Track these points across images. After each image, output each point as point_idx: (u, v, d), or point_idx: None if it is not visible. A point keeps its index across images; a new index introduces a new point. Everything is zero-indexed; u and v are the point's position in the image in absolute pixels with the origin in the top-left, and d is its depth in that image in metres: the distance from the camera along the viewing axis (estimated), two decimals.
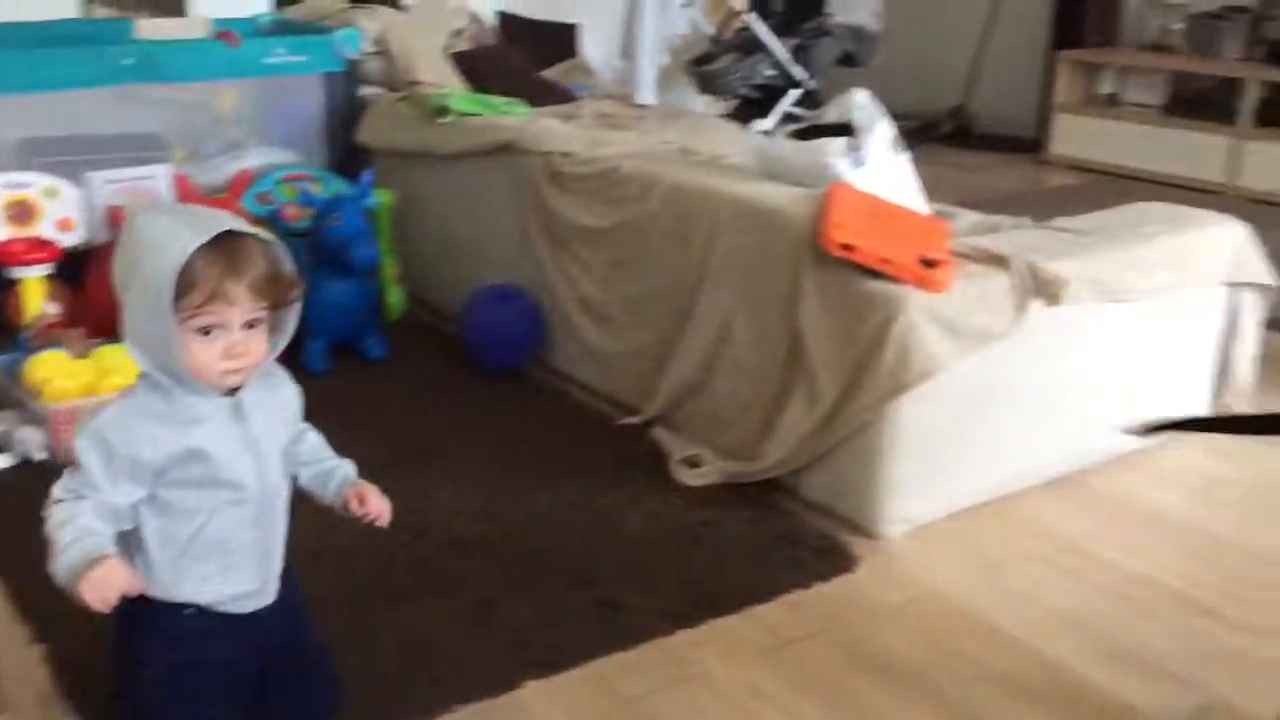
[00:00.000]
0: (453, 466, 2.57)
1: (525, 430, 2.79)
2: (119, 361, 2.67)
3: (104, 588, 1.26)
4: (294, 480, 1.50)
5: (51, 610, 2.04)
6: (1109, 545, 2.32)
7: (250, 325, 1.32)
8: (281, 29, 3.94)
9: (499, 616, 2.04)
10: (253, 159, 3.55)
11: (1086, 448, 2.59)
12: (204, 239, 1.25)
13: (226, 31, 3.51)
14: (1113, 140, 5.57)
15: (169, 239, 1.26)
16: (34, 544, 2.28)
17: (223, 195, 3.30)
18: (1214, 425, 1.80)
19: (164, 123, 3.56)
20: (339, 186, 3.46)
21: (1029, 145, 6.06)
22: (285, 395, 1.45)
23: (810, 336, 2.34)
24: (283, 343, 1.38)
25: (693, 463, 2.59)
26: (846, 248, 2.23)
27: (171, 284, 1.24)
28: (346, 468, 1.52)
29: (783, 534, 2.32)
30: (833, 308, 2.30)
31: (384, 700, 1.81)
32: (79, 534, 1.29)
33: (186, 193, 3.05)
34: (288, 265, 1.35)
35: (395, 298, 3.48)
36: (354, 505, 1.48)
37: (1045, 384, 2.45)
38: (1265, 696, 1.83)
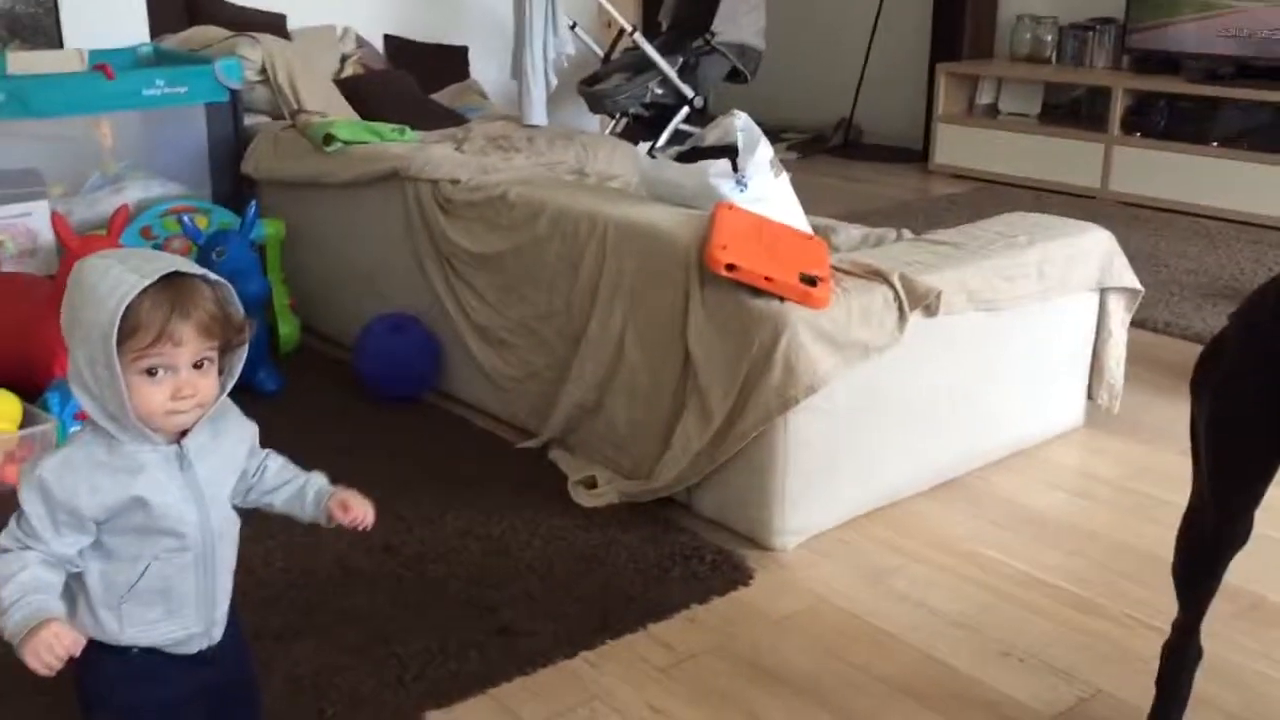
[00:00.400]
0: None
1: (423, 458, 2.78)
2: (2, 408, 2.61)
3: (46, 654, 1.25)
4: (269, 508, 1.51)
5: None
6: (993, 546, 2.41)
7: (198, 365, 1.31)
8: (161, 59, 3.87)
9: (395, 650, 2.03)
10: (135, 192, 3.49)
11: (968, 452, 2.68)
12: (148, 281, 1.25)
13: (103, 64, 3.45)
14: (993, 149, 5.76)
15: (113, 283, 1.25)
16: None
17: (103, 231, 3.24)
18: None
19: (41, 158, 3.48)
20: (225, 219, 3.42)
21: (915, 155, 6.22)
22: (238, 435, 1.45)
23: (700, 355, 2.38)
24: (230, 383, 1.37)
25: (590, 484, 2.61)
26: (731, 267, 2.28)
27: (114, 326, 1.24)
28: (318, 480, 1.53)
29: (679, 551, 2.36)
30: (720, 326, 2.35)
31: None
32: (23, 591, 1.27)
33: (64, 230, 2.98)
34: (236, 307, 1.35)
35: (288, 329, 3.44)
36: (338, 515, 1.49)
37: (927, 392, 2.53)
38: (1145, 688, 1.91)
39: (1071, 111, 5.75)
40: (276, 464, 1.53)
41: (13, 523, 1.32)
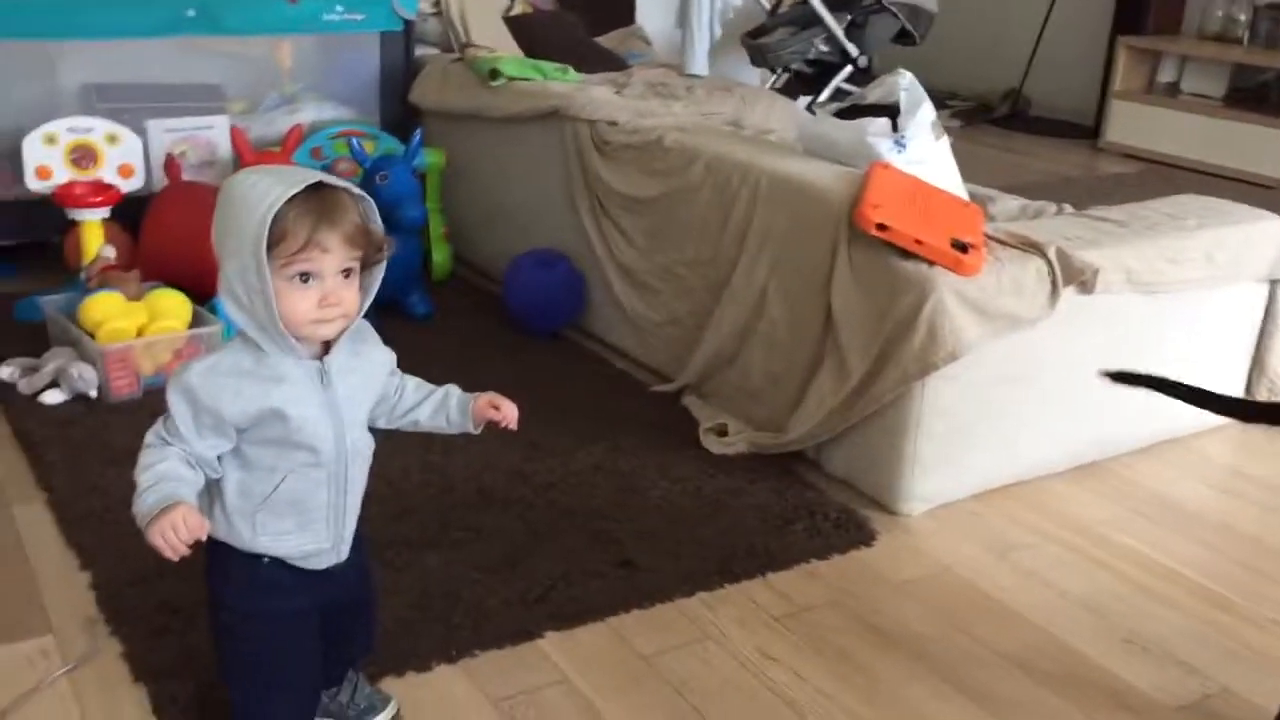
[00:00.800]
0: (487, 424, 2.63)
1: (560, 392, 2.85)
2: (170, 306, 2.77)
3: (171, 534, 1.30)
4: (414, 426, 1.57)
5: (97, 539, 2.14)
6: (1128, 533, 2.35)
7: (344, 275, 1.36)
8: None
9: (521, 569, 2.11)
10: (308, 114, 3.63)
11: (1112, 436, 2.60)
12: (295, 190, 1.30)
13: None
14: (1170, 130, 5.51)
15: (262, 193, 1.30)
16: (83, 476, 2.39)
17: (277, 148, 3.38)
18: (1182, 393, 1.81)
19: (224, 75, 3.65)
20: (390, 145, 3.53)
21: (1085, 131, 6.00)
22: (375, 359, 1.49)
23: (842, 313, 2.37)
24: (368, 301, 1.42)
25: (720, 432, 2.64)
26: (881, 227, 2.25)
27: (264, 232, 1.28)
28: (456, 390, 1.59)
29: (804, 505, 2.37)
30: (865, 286, 2.33)
31: (404, 642, 1.88)
32: (157, 479, 1.33)
33: (242, 144, 3.13)
34: (377, 223, 1.38)
35: (441, 257, 3.55)
36: (490, 414, 1.55)
37: (1074, 371, 2.46)
38: (1270, 689, 1.85)
39: (1259, 96, 5.46)
40: (412, 383, 1.58)
41: (159, 423, 1.39)
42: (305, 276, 1.33)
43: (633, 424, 2.70)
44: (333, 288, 1.35)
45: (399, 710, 1.73)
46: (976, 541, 2.30)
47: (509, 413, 1.56)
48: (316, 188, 1.32)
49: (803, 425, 2.47)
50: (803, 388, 2.49)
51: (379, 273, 1.42)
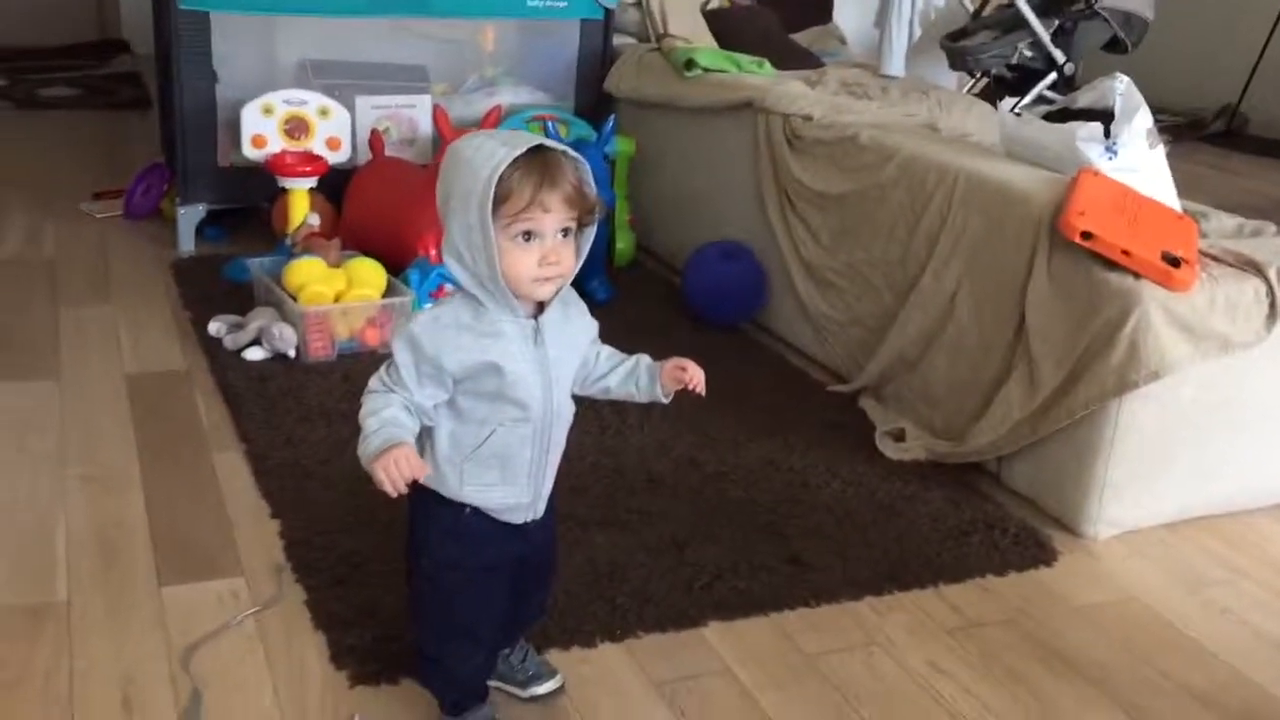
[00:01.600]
0: (660, 410, 2.63)
1: (735, 385, 2.83)
2: (367, 274, 2.88)
3: (394, 472, 1.37)
4: (606, 393, 1.59)
5: (288, 490, 2.24)
6: None
7: (562, 234, 1.40)
8: None
9: (688, 556, 2.10)
10: (506, 96, 3.72)
11: None
12: (518, 152, 1.35)
13: None
14: None
15: (487, 155, 1.35)
16: (278, 430, 2.51)
17: (476, 129, 3.47)
18: None
19: (429, 57, 3.77)
20: (583, 131, 3.58)
21: None
22: (582, 325, 1.54)
23: (1036, 322, 2.28)
24: (580, 262, 1.45)
25: (897, 436, 2.58)
26: (1086, 235, 2.16)
27: (490, 192, 1.34)
28: (646, 359, 1.60)
29: (982, 518, 2.29)
30: (1065, 295, 2.24)
31: (570, 617, 1.90)
32: (383, 424, 1.40)
33: (443, 123, 3.22)
34: (591, 185, 1.42)
35: (624, 243, 3.58)
36: (679, 376, 1.55)
37: None
38: None
39: None
40: (606, 351, 1.61)
41: (382, 370, 1.45)
42: (528, 235, 1.38)
43: (807, 422, 2.67)
44: (553, 246, 1.39)
45: (563, 683, 1.75)
46: (1166, 572, 2.19)
47: (696, 375, 1.56)
48: (537, 150, 1.36)
49: (986, 436, 2.39)
50: (988, 397, 2.41)
51: (591, 234, 1.45)
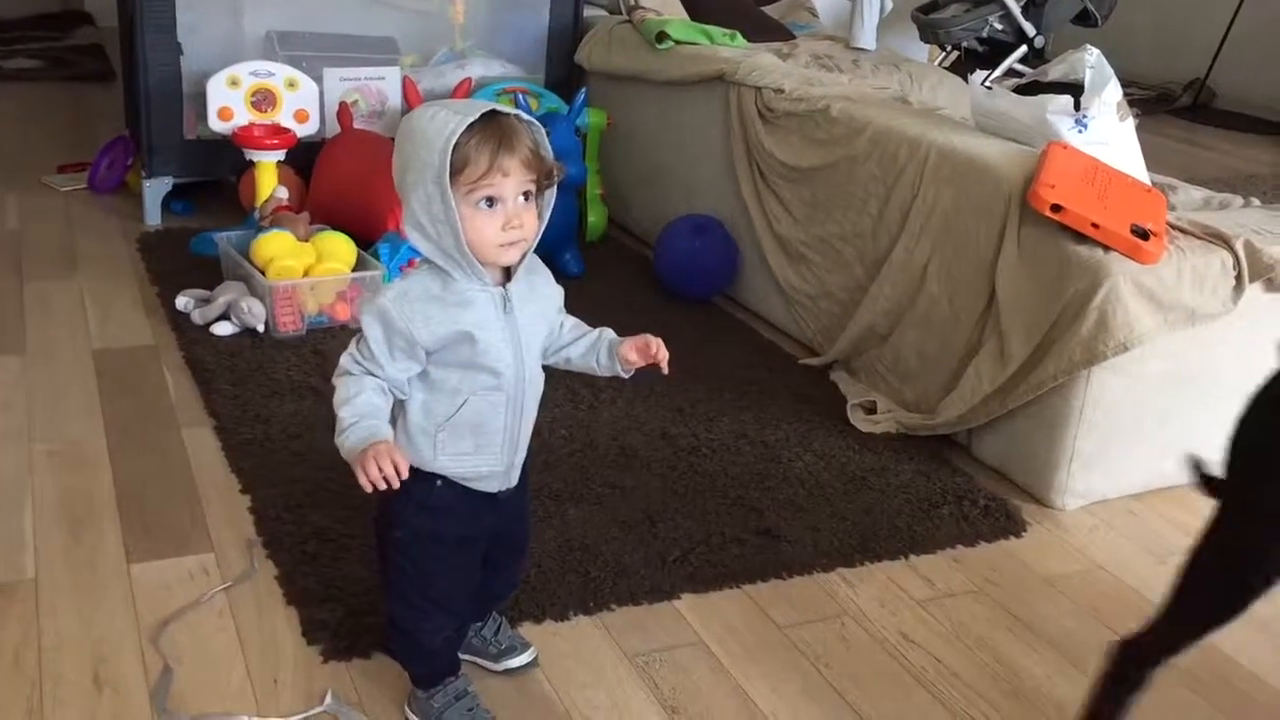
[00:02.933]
0: (632, 385, 2.62)
1: (707, 359, 2.84)
2: (337, 248, 2.85)
3: (375, 473, 1.37)
4: (567, 363, 1.59)
5: (258, 465, 2.23)
6: None
7: (523, 198, 1.39)
8: None
9: (661, 529, 2.11)
10: (477, 69, 3.69)
11: None
12: (471, 118, 1.34)
13: None
14: None
15: (440, 124, 1.34)
16: (247, 405, 2.49)
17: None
18: None
19: (398, 27, 3.73)
20: (554, 104, 3.56)
21: (1274, 128, 5.67)
22: (549, 292, 1.53)
23: (1006, 295, 2.30)
24: (542, 225, 1.45)
25: (868, 409, 2.59)
26: (1056, 208, 2.17)
27: (446, 161, 1.33)
28: (609, 333, 1.60)
29: (952, 490, 2.31)
30: (1034, 268, 2.25)
31: (543, 591, 1.90)
32: (359, 415, 1.40)
33: (413, 95, 3.19)
34: (548, 148, 1.42)
35: (596, 217, 3.57)
36: (638, 353, 1.54)
37: (1254, 373, 2.32)
38: None
39: None
40: (571, 321, 1.61)
41: (352, 346, 1.44)
42: (489, 201, 1.37)
43: (779, 395, 2.68)
44: (515, 210, 1.39)
45: (536, 656, 1.75)
46: (1134, 541, 2.21)
47: (660, 351, 1.55)
48: (491, 116, 1.36)
49: (956, 408, 2.40)
50: (958, 370, 2.43)
51: (551, 197, 1.45)
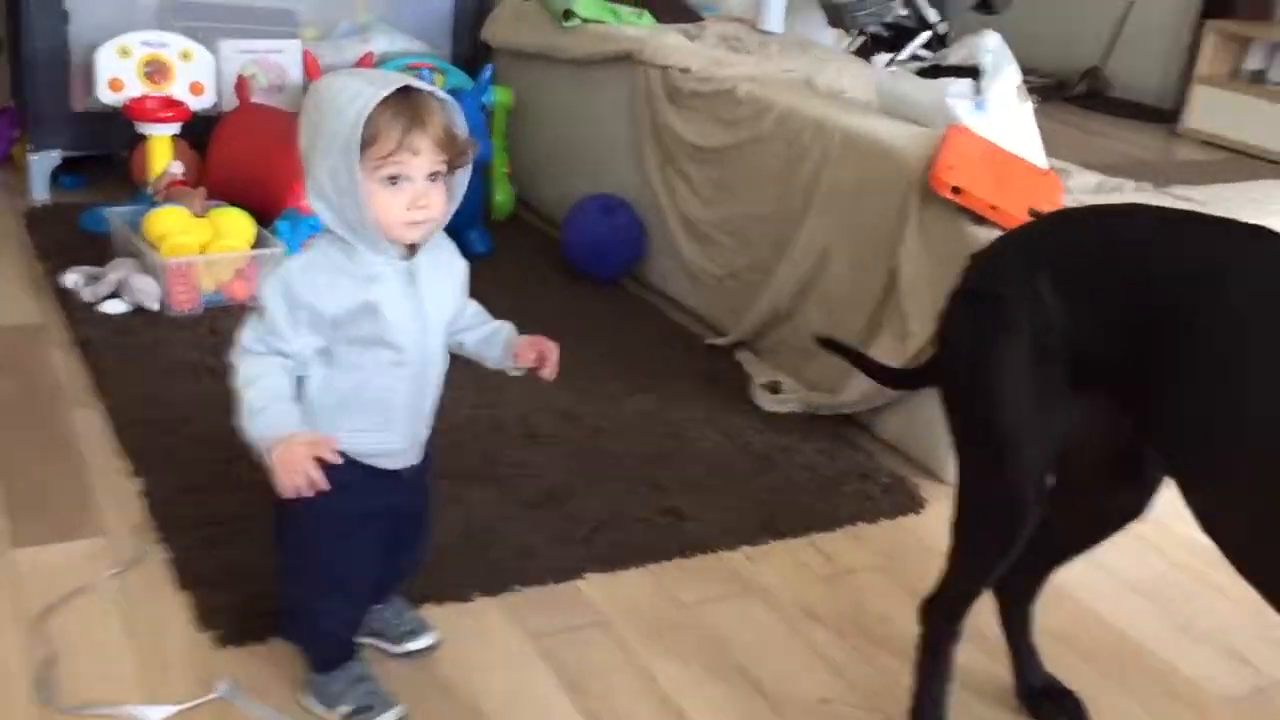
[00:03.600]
0: None
1: (613, 339, 2.83)
2: (234, 225, 2.78)
3: (298, 476, 1.33)
4: (459, 347, 1.56)
5: (150, 448, 2.16)
6: (1187, 522, 2.27)
7: (432, 178, 1.36)
8: None
9: (566, 509, 2.10)
10: (380, 44, 3.62)
11: None
12: (385, 92, 1.30)
13: None
14: (1254, 119, 5.35)
15: (352, 95, 1.31)
16: (139, 386, 2.42)
17: None
18: (866, 366, 1.86)
19: (298, 1, 3.63)
20: (459, 80, 3.51)
21: (1163, 116, 5.85)
22: (455, 268, 1.51)
23: (907, 276, 2.33)
24: (453, 206, 1.42)
25: (773, 389, 2.61)
26: (956, 190, 2.20)
27: (356, 134, 1.29)
28: (508, 327, 1.58)
29: (853, 469, 2.34)
30: (934, 250, 2.28)
31: (447, 572, 1.88)
32: (267, 399, 1.36)
33: (314, 69, 3.12)
34: (462, 127, 1.39)
35: (503, 196, 3.53)
36: (528, 355, 1.54)
37: None
38: None
39: None
40: (474, 307, 1.59)
41: (252, 320, 1.39)
42: (395, 179, 1.34)
43: (684, 375, 2.68)
44: (422, 190, 1.36)
45: (439, 639, 1.73)
46: None
47: (550, 357, 1.55)
48: (405, 91, 1.32)
49: (857, 388, 2.43)
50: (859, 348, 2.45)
51: (464, 176, 1.43)
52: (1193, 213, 1.41)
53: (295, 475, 1.34)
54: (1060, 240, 1.41)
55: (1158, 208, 1.41)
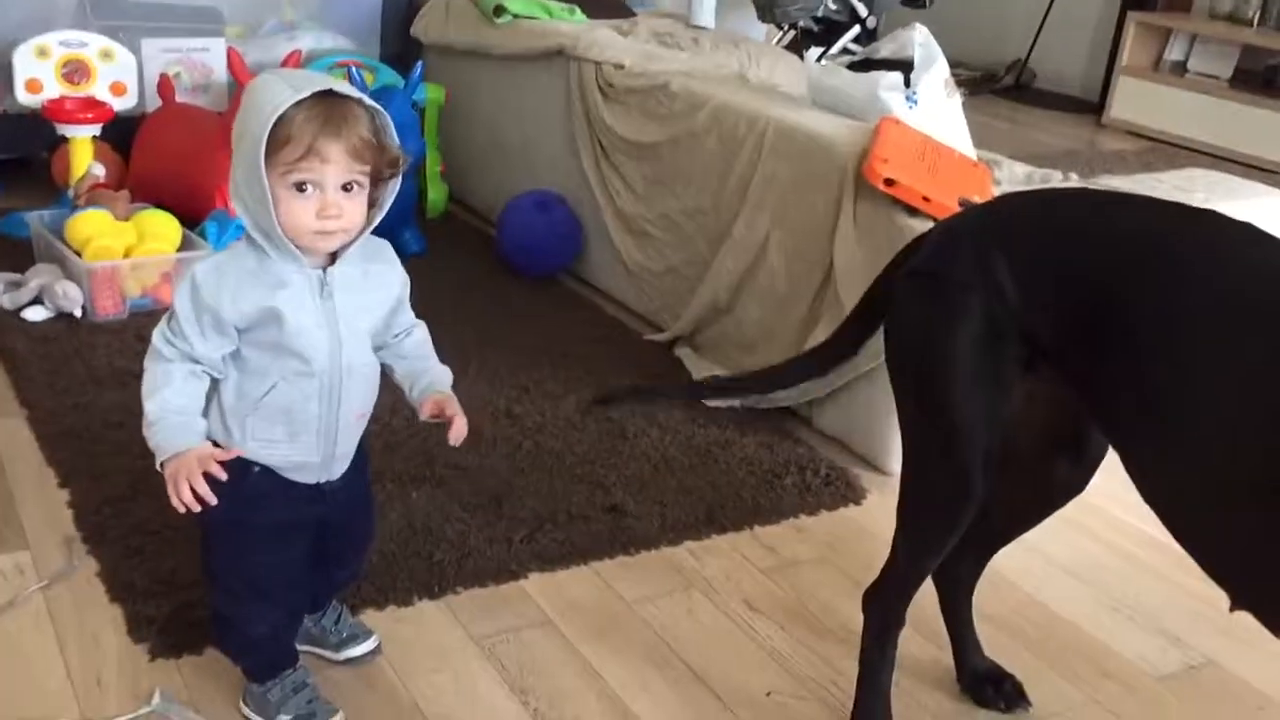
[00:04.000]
0: (477, 365, 2.59)
1: (551, 336, 2.81)
2: (159, 227, 2.72)
3: (185, 492, 1.31)
4: (391, 372, 1.52)
5: (77, 457, 2.11)
6: (1118, 505, 2.33)
7: (346, 189, 1.32)
8: None
9: (507, 509, 2.08)
10: (308, 42, 3.56)
11: None
12: (300, 95, 1.26)
13: None
14: (1176, 109, 5.47)
15: (270, 95, 1.27)
16: (64, 394, 2.35)
17: None
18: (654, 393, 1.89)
19: None
20: (390, 78, 3.47)
21: (1089, 107, 5.96)
22: (384, 279, 1.45)
23: (843, 267, 2.34)
24: (379, 216, 1.38)
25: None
26: (889, 182, 2.22)
27: (264, 136, 1.25)
28: (437, 373, 1.52)
29: (794, 461, 2.35)
30: (869, 241, 2.30)
31: (386, 576, 1.86)
32: (165, 410, 1.33)
33: (239, 67, 3.06)
34: (391, 137, 1.34)
35: (436, 194, 3.49)
36: (429, 411, 1.48)
37: None
38: (1258, 664, 1.85)
39: (1266, 80, 5.42)
40: (418, 338, 1.53)
41: (163, 322, 1.37)
42: (302, 185, 1.30)
43: (624, 372, 2.67)
44: (333, 199, 1.31)
45: (379, 644, 1.71)
46: None
47: (455, 424, 1.48)
48: (327, 95, 1.28)
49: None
50: (798, 341, 2.46)
51: (394, 187, 1.39)
52: (1139, 195, 1.43)
53: (182, 489, 1.31)
54: (1017, 223, 1.41)
55: (1107, 191, 1.43)
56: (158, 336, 1.36)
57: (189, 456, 1.32)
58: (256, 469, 1.42)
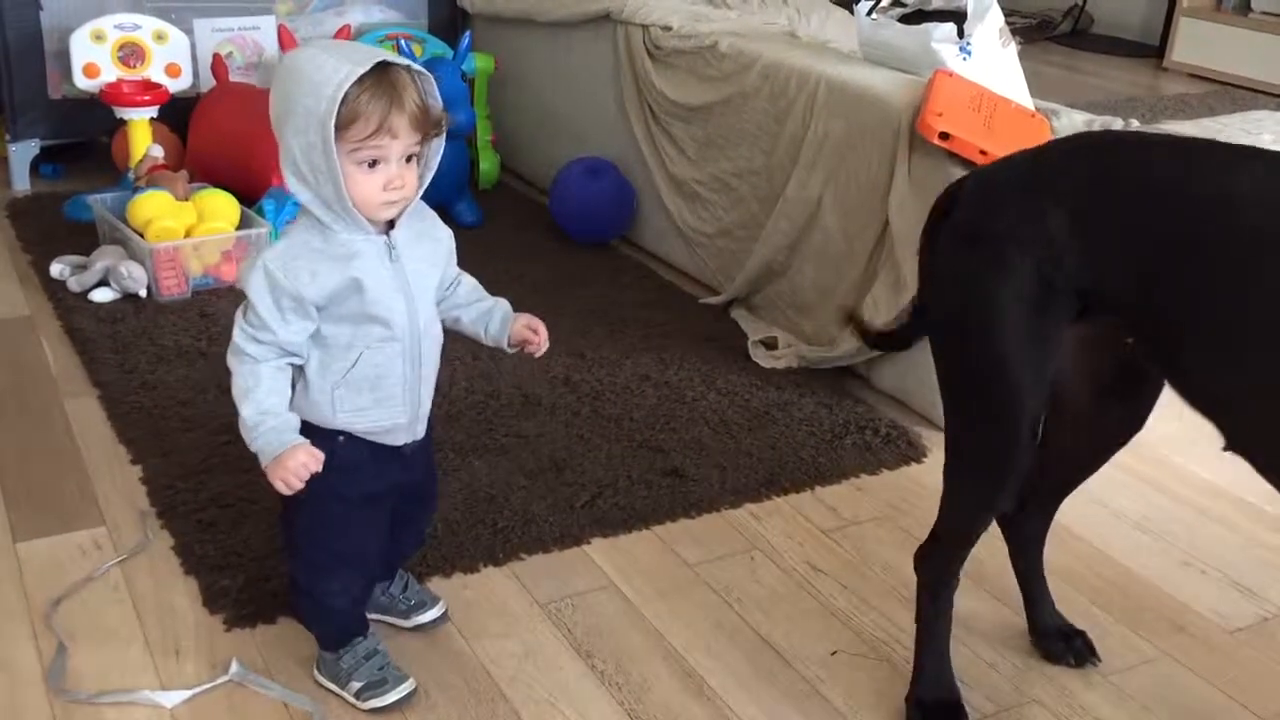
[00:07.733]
0: None
1: (607, 302, 2.82)
2: (219, 207, 2.76)
3: (290, 480, 1.36)
4: (456, 323, 1.56)
5: (148, 434, 2.16)
6: (1187, 456, 2.29)
7: (406, 160, 1.35)
8: None
9: (568, 476, 2.10)
10: (357, 15, 3.58)
11: None
12: (362, 70, 1.28)
13: None
14: (1240, 50, 5.31)
15: (329, 72, 1.28)
16: (133, 373, 2.41)
17: None
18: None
19: None
20: (438, 49, 3.48)
21: (1149, 51, 5.81)
22: (438, 236, 1.49)
23: (899, 225, 2.31)
24: (429, 177, 1.41)
25: (769, 345, 2.60)
26: (945, 136, 2.18)
27: (332, 114, 1.27)
28: (504, 305, 1.58)
29: (854, 420, 2.34)
30: (924, 197, 2.26)
31: (451, 544, 1.88)
32: (262, 414, 1.37)
33: (290, 44, 3.08)
34: (436, 99, 1.37)
35: (488, 165, 3.50)
36: (526, 335, 1.54)
37: None
38: None
39: None
40: (469, 283, 1.58)
41: (240, 317, 1.38)
42: (374, 162, 1.32)
43: (680, 336, 2.67)
44: (398, 172, 1.34)
45: (446, 610, 1.74)
46: None
47: (541, 338, 1.56)
48: (382, 68, 1.30)
49: (853, 340, 2.42)
50: (856, 301, 2.44)
51: (438, 146, 1.41)
52: (1211, 140, 1.38)
53: (292, 485, 1.37)
54: (1069, 173, 1.34)
55: (1174, 136, 1.37)
56: (238, 333, 1.38)
57: (293, 462, 1.36)
58: (342, 439, 1.45)
